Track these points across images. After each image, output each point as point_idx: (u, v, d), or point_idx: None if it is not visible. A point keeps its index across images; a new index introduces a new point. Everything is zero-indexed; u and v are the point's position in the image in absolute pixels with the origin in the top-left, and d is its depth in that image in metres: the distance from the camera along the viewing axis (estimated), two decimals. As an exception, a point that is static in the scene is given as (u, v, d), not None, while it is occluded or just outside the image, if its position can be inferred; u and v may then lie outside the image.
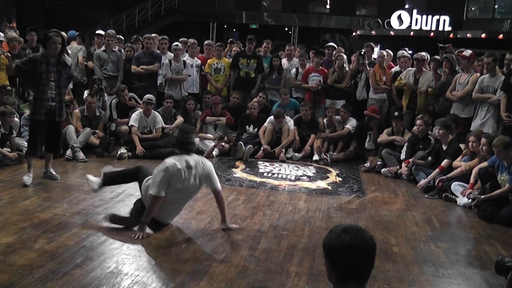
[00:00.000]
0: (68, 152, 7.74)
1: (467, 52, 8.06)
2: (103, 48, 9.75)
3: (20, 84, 9.05)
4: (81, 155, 7.73)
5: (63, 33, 7.36)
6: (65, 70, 6.26)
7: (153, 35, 10.37)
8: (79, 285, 3.65)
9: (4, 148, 7.16)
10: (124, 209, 5.40)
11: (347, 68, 9.63)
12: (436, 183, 6.88)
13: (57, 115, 6.31)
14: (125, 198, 5.86)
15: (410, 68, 9.00)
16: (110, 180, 5.46)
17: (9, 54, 8.58)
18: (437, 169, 7.02)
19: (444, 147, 7.24)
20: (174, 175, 4.69)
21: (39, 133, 6.27)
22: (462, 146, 7.27)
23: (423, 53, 9.09)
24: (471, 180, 6.36)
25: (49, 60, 6.08)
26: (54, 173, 6.64)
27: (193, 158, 4.87)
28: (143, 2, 24.52)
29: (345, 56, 9.75)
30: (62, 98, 6.33)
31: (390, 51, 10.59)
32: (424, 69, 8.79)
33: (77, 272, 3.86)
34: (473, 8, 23.47)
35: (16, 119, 7.63)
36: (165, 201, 4.74)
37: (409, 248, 4.86)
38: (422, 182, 7.09)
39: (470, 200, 6.17)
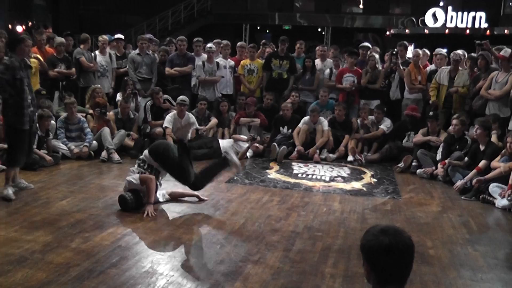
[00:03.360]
0: (103, 154, 7.86)
1: (506, 52, 7.82)
2: (137, 51, 9.85)
3: (63, 88, 9.21)
4: (116, 156, 7.84)
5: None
6: (27, 72, 5.86)
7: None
8: (115, 284, 3.70)
9: (41, 150, 7.32)
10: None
11: (380, 68, 9.52)
12: (473, 184, 6.72)
13: (34, 122, 6.04)
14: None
15: (444, 67, 8.83)
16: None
17: (40, 57, 8.75)
18: (474, 170, 6.85)
19: (482, 148, 7.08)
20: None
21: (25, 143, 5.86)
22: (495, 139, 7.17)
23: (460, 52, 8.90)
24: (510, 181, 6.19)
25: (21, 65, 5.68)
26: (26, 183, 6.13)
27: None
28: (176, 5, 24.74)
29: (377, 56, 9.63)
30: (35, 102, 6.04)
31: (426, 50, 10.38)
32: (460, 68, 8.62)
33: (113, 271, 3.91)
34: (510, 4, 22.84)
35: (52, 122, 7.79)
36: None
37: (446, 251, 4.76)
38: (459, 183, 6.93)
39: (509, 200, 6.01)
